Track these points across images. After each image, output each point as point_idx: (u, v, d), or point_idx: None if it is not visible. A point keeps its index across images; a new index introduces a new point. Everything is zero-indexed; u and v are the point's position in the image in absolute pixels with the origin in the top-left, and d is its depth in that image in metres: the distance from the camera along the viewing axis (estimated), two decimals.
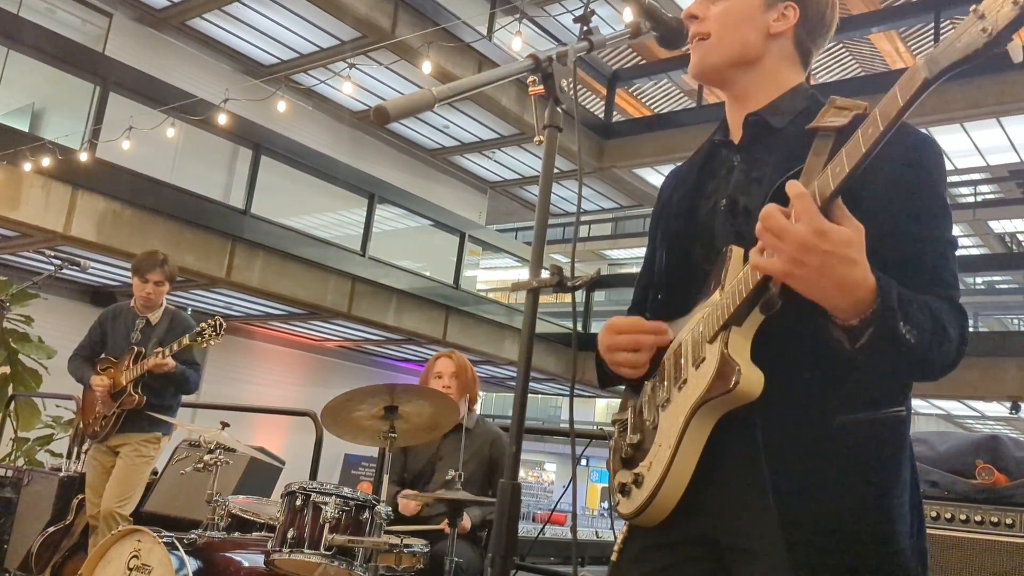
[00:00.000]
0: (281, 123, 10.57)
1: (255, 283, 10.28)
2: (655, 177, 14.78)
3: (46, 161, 8.15)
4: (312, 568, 2.90)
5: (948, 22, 13.29)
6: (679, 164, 1.60)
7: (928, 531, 1.27)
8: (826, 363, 1.23)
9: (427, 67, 8.31)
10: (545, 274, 1.29)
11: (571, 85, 1.35)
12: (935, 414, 19.04)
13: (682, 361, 1.35)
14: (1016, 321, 21.10)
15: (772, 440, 1.25)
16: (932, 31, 12.43)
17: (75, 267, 4.88)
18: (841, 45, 16.50)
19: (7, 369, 7.35)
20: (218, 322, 4.15)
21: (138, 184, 9.18)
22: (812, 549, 1.21)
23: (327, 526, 2.81)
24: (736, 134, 1.47)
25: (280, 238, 10.55)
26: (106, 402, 4.37)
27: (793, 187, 1.13)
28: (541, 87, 1.34)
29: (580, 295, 16.68)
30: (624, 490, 1.39)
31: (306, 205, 12.59)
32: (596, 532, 14.18)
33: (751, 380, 1.22)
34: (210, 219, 9.86)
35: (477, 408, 3.81)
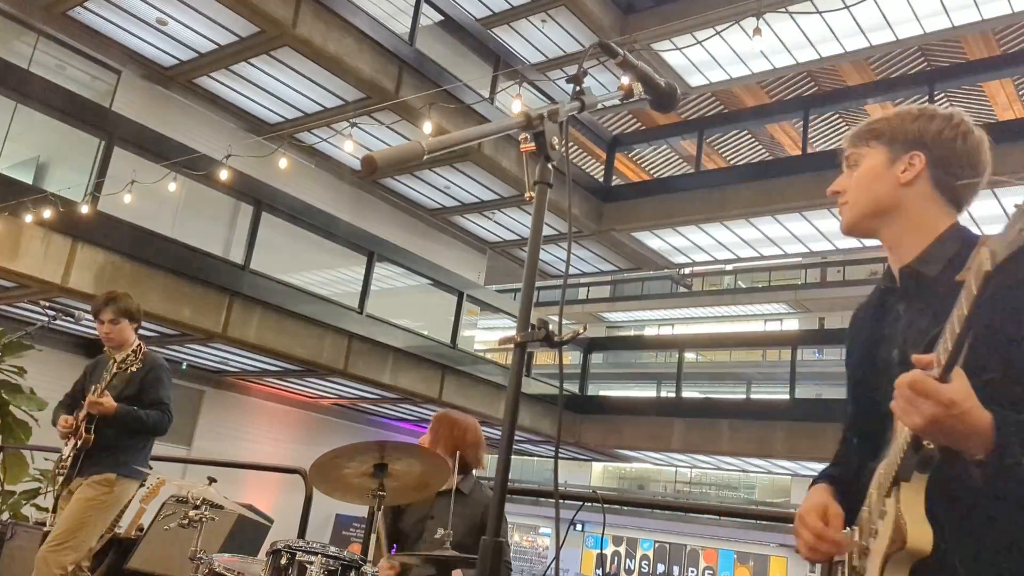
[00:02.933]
0: (282, 180, 10.68)
1: (252, 338, 10.25)
2: (653, 241, 14.89)
3: (47, 213, 8.20)
4: None
5: (942, 94, 13.51)
6: (860, 304, 1.68)
7: None
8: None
9: (428, 127, 8.43)
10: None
11: (562, 143, 1.36)
12: None
13: (872, 512, 1.38)
14: None
15: None
16: (927, 103, 12.59)
17: (69, 318, 4.87)
18: (838, 116, 16.81)
19: None
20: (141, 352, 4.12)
21: (138, 237, 9.23)
22: None
23: None
24: (899, 280, 1.53)
25: (278, 294, 10.56)
26: (68, 443, 4.25)
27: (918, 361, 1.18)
28: (533, 144, 1.35)
29: (578, 358, 16.63)
30: None
31: (305, 262, 12.63)
32: None
33: (918, 539, 1.23)
34: (209, 274, 9.88)
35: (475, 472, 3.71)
